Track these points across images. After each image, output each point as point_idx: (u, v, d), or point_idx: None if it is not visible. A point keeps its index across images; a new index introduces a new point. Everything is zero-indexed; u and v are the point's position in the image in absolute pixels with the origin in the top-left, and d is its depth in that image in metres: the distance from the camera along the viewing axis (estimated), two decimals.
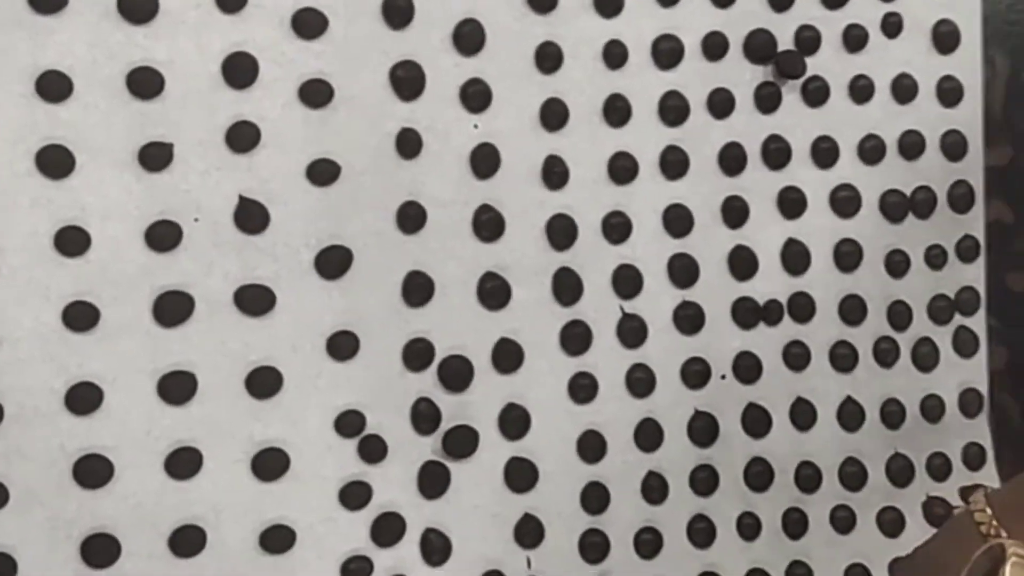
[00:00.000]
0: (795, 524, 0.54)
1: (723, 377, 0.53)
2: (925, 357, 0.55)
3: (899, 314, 0.55)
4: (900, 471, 0.55)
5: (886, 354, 0.55)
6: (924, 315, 0.56)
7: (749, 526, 0.53)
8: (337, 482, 0.48)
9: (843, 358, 0.55)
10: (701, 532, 0.53)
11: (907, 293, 0.56)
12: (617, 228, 0.52)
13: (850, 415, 0.55)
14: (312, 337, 0.48)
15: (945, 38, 0.56)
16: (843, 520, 0.54)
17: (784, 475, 0.54)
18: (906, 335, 0.55)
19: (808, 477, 0.54)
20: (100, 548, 0.46)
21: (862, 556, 0.54)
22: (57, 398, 0.45)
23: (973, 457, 0.56)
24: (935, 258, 0.56)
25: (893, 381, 0.55)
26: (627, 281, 0.52)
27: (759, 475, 0.54)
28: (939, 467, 0.56)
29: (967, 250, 0.56)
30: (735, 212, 0.53)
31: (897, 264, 0.55)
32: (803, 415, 0.54)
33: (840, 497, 0.54)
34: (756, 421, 0.54)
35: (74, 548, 0.46)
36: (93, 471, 0.46)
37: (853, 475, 0.55)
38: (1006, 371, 0.57)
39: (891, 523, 0.55)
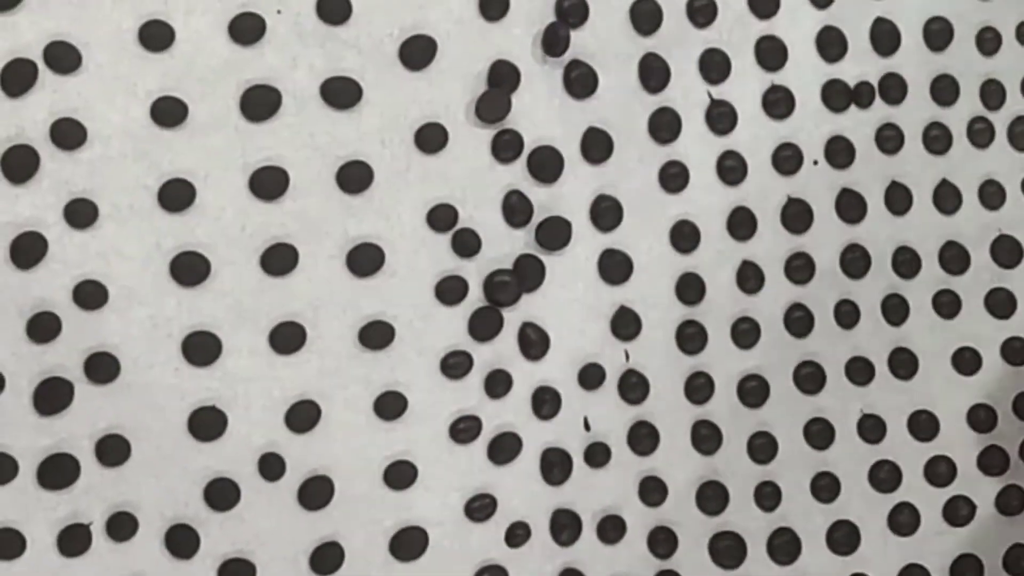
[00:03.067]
0: (895, 310, 0.53)
1: (815, 163, 0.52)
2: (1020, 137, 0.54)
3: (992, 93, 0.54)
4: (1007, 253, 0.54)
5: (981, 135, 0.54)
6: (1018, 93, 0.54)
7: (847, 313, 0.52)
8: (433, 277, 0.48)
9: (935, 140, 0.53)
10: (798, 321, 0.52)
11: (1000, 72, 0.54)
12: (702, 10, 0.51)
13: (946, 197, 0.53)
14: (400, 130, 0.47)
15: None
16: (948, 306, 0.53)
17: (881, 261, 0.53)
18: (999, 115, 0.54)
19: (906, 262, 0.53)
20: (201, 345, 0.46)
21: (970, 339, 0.53)
22: (150, 195, 0.45)
23: None
24: None
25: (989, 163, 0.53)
26: (714, 66, 0.51)
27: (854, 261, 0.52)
28: None
29: None
30: None
31: (988, 41, 0.54)
32: (899, 200, 0.53)
33: (942, 281, 0.53)
34: (850, 206, 0.52)
35: (176, 346, 0.45)
36: (190, 268, 0.45)
37: (953, 258, 0.53)
38: None
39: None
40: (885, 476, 0.53)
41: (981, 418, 0.53)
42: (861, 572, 0.52)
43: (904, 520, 0.53)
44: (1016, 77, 0.54)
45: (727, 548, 0.51)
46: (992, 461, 0.53)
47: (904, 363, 0.53)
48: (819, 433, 0.52)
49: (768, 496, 0.51)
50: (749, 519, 0.51)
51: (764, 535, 0.52)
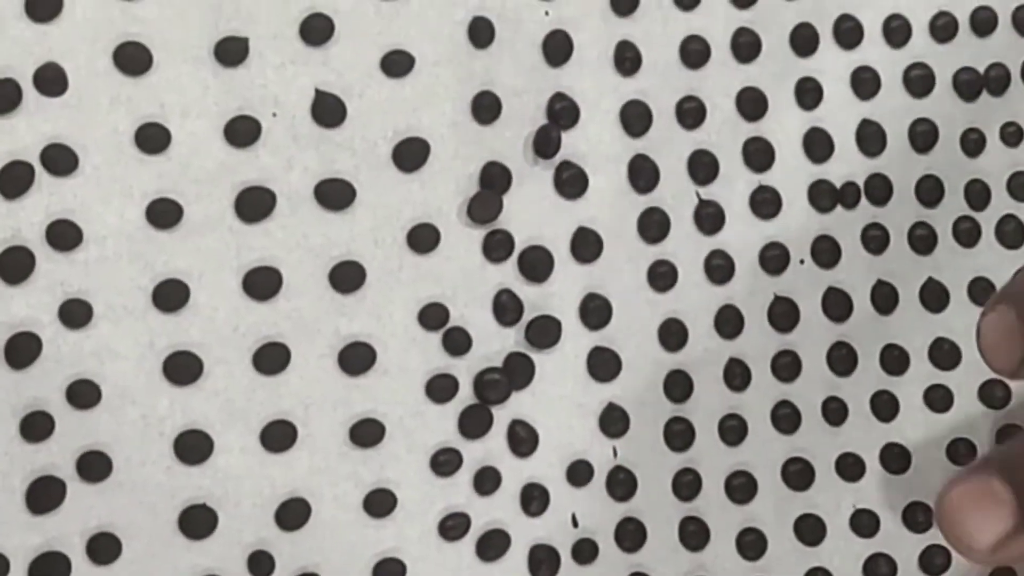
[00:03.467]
0: (885, 406, 0.53)
1: (802, 262, 0.53)
2: (1010, 236, 0.54)
3: (977, 193, 0.55)
4: None
5: (967, 234, 0.54)
6: (1004, 192, 0.55)
7: (835, 411, 0.53)
8: (423, 375, 0.48)
9: (921, 239, 0.54)
10: (785, 418, 0.52)
11: (984, 172, 0.55)
12: (691, 112, 0.52)
13: (932, 295, 0.54)
14: (392, 231, 0.48)
15: None
16: (940, 400, 0.54)
17: (868, 359, 0.53)
18: (985, 214, 0.55)
19: (894, 359, 0.54)
20: (193, 444, 0.46)
21: (964, 431, 0.54)
22: (145, 295, 0.45)
23: None
24: (1011, 136, 0.55)
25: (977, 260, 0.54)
26: (702, 167, 0.52)
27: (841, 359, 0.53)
28: None
29: None
30: (809, 94, 0.53)
31: (972, 143, 0.55)
32: (884, 298, 0.53)
33: (934, 377, 0.53)
34: (836, 305, 0.53)
35: (167, 445, 0.46)
36: (183, 368, 0.46)
37: (945, 354, 0.54)
38: None
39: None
40: (881, 571, 0.53)
41: None
42: None
43: None
44: (1002, 177, 0.55)
45: None
46: None
47: (896, 457, 0.53)
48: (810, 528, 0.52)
49: None
50: None
51: None
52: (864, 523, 0.53)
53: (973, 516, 0.46)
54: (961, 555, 0.48)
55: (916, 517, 0.53)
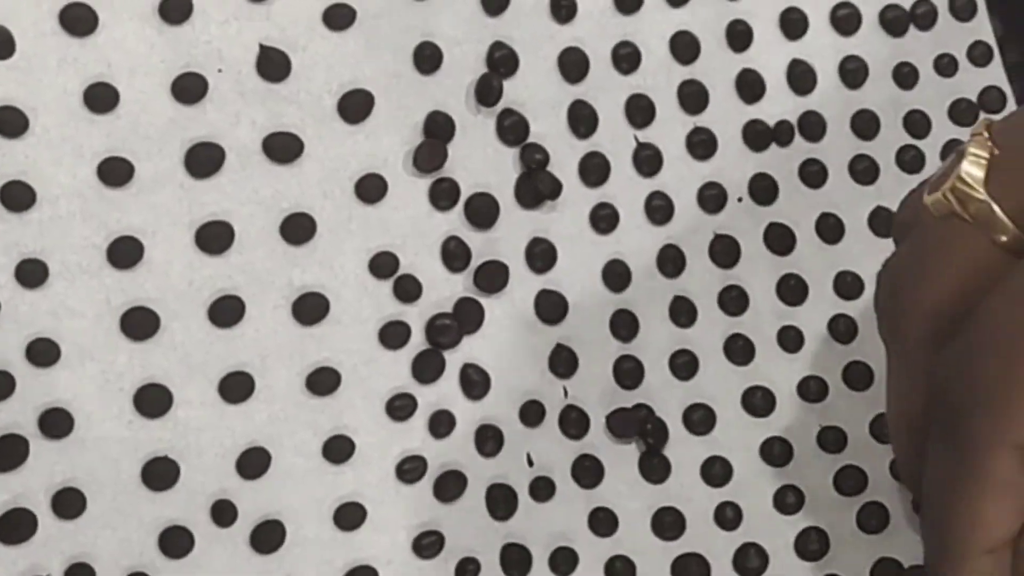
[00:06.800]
0: (846, 329, 0.54)
1: (740, 200, 0.54)
2: None
3: (916, 122, 0.56)
4: None
5: (913, 161, 0.56)
6: (946, 119, 0.56)
7: (792, 338, 0.54)
8: (376, 323, 0.49)
9: (864, 171, 0.55)
10: (739, 350, 0.54)
11: (921, 102, 0.56)
12: (627, 58, 0.53)
13: (880, 221, 0.55)
14: (340, 182, 0.49)
15: None
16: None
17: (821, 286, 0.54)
18: (928, 141, 0.56)
19: (847, 285, 0.55)
20: (153, 398, 0.47)
21: None
22: (99, 253, 0.46)
23: None
24: (945, 67, 0.56)
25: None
26: (640, 110, 0.53)
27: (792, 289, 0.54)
28: None
29: (980, 56, 0.57)
30: (739, 37, 0.54)
31: (905, 76, 0.56)
32: (830, 229, 0.55)
33: None
34: (779, 239, 0.54)
35: (127, 400, 0.47)
36: (140, 323, 0.47)
37: None
38: None
39: None
40: (851, 483, 0.54)
41: None
42: None
43: None
44: (942, 105, 0.57)
45: (689, 569, 0.52)
46: None
47: (860, 376, 0.54)
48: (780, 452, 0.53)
49: (730, 515, 0.52)
50: (711, 539, 0.52)
51: (729, 553, 0.52)
52: (831, 439, 0.54)
53: None
54: None
55: (885, 429, 0.53)
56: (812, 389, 0.54)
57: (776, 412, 0.53)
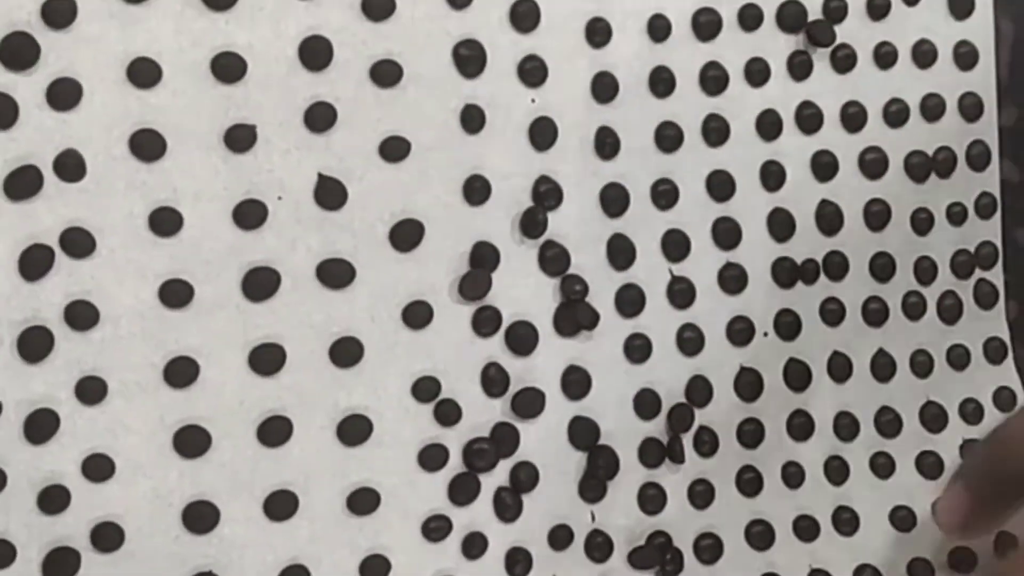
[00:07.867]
0: (836, 471, 0.56)
1: (765, 334, 0.56)
2: (948, 311, 0.58)
3: (925, 270, 0.58)
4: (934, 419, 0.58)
5: (914, 308, 0.58)
6: (948, 270, 0.58)
7: (793, 475, 0.56)
8: (416, 445, 0.51)
9: (875, 312, 0.57)
10: (749, 482, 0.55)
11: (931, 249, 0.58)
12: (665, 195, 0.54)
13: (882, 367, 0.57)
14: (389, 308, 0.50)
15: (959, 4, 0.58)
16: (883, 467, 0.57)
17: (824, 424, 0.56)
18: (930, 290, 0.58)
19: (846, 426, 0.57)
20: (200, 514, 0.48)
21: (906, 499, 0.57)
22: (156, 372, 0.47)
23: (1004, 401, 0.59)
24: (956, 215, 0.59)
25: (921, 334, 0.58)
26: (675, 245, 0.55)
27: (800, 426, 0.56)
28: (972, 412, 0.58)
29: (985, 207, 0.59)
30: (773, 176, 0.56)
31: (922, 222, 0.58)
32: (840, 368, 0.57)
33: (879, 444, 0.57)
34: (796, 375, 0.56)
35: (176, 515, 0.47)
36: (192, 441, 0.48)
37: (888, 423, 0.57)
38: (1019, 324, 0.60)
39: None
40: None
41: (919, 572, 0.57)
42: None
43: None
44: (946, 254, 0.59)
45: None
46: None
47: (847, 521, 0.56)
48: None
49: None
50: None
51: None
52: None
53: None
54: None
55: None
56: (802, 527, 0.56)
57: (775, 547, 0.55)
